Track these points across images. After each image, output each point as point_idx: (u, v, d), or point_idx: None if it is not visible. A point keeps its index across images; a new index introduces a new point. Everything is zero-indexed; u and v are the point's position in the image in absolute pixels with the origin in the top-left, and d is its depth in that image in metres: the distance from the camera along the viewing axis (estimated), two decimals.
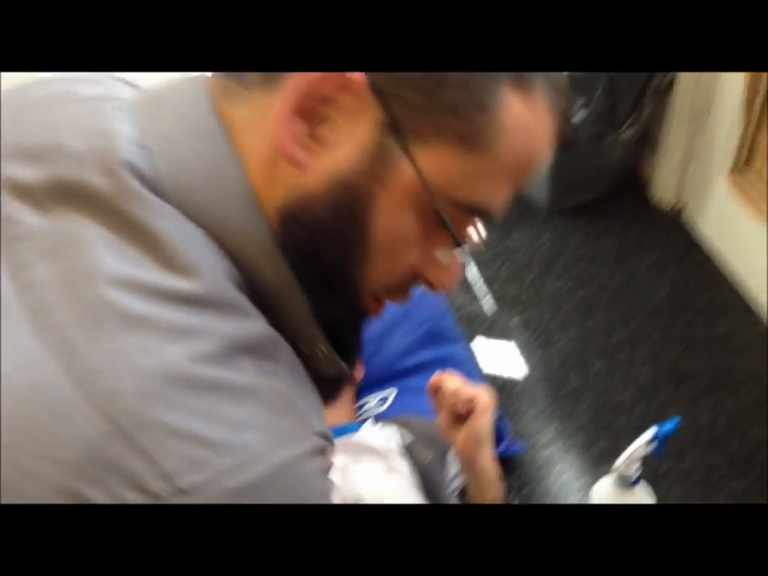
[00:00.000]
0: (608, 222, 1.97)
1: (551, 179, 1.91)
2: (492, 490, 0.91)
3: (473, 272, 1.88)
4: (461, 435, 0.90)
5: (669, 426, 0.90)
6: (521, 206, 2.03)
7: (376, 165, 0.44)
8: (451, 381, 0.92)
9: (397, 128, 0.44)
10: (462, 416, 0.91)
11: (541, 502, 1.42)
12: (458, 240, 0.48)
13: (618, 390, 1.59)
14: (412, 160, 0.44)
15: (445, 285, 0.52)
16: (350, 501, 1.04)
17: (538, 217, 2.00)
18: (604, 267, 1.86)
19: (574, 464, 1.48)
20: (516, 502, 0.96)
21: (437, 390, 0.93)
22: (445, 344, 1.48)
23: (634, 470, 0.91)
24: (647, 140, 1.97)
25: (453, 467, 1.11)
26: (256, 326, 0.44)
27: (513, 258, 1.91)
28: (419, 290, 1.67)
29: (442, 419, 0.93)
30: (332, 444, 0.48)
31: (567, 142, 1.73)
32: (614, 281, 1.82)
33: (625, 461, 0.91)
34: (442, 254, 0.50)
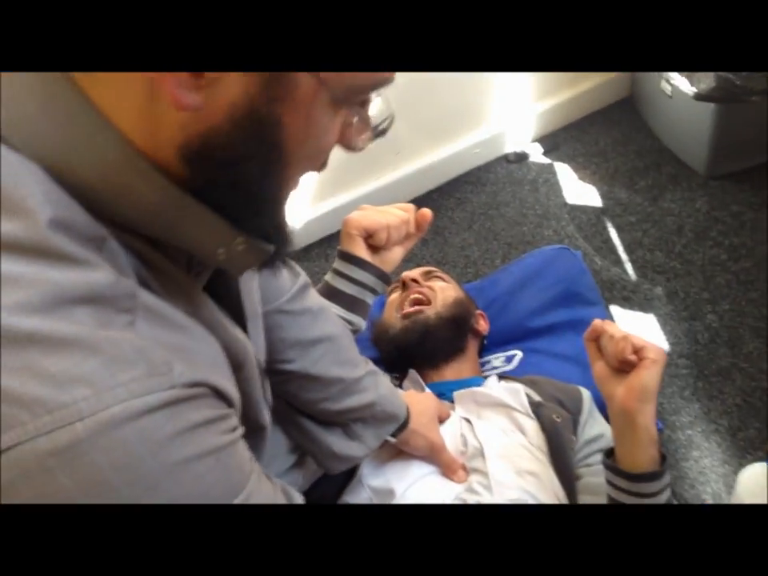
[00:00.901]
0: None
1: (712, 139, 1.74)
2: (648, 452, 0.84)
3: (615, 235, 1.75)
4: (623, 386, 0.84)
5: None
6: (674, 167, 1.87)
7: (273, 88, 0.42)
8: (617, 327, 0.86)
9: None
10: (622, 368, 0.85)
11: (675, 486, 1.30)
12: (366, 118, 0.51)
13: None
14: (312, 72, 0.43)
15: (359, 145, 0.53)
16: (469, 454, 0.98)
17: (693, 180, 1.84)
18: (764, 238, 1.68)
19: (716, 450, 1.35)
20: (671, 473, 0.87)
21: (596, 336, 0.87)
22: (581, 306, 1.39)
23: None
24: None
25: (590, 429, 1.03)
26: (97, 276, 0.41)
27: (661, 222, 1.77)
28: (553, 249, 1.57)
29: (599, 369, 0.87)
30: (223, 393, 0.48)
31: (734, 97, 1.56)
32: None
33: None
34: (354, 120, 0.51)
